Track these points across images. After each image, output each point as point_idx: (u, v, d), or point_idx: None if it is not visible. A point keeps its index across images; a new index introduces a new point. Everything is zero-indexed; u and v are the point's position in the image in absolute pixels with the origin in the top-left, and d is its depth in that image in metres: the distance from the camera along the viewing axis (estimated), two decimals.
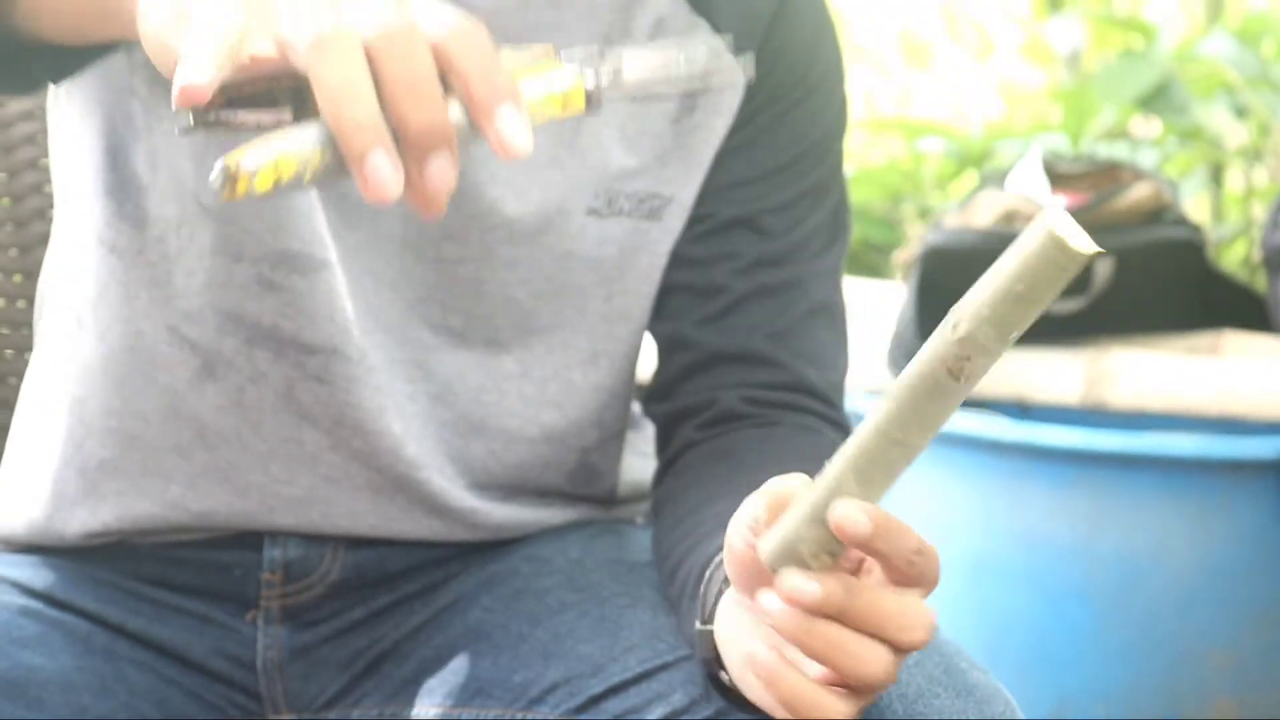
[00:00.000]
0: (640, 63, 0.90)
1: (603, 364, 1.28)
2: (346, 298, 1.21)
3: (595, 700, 1.14)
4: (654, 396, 1.29)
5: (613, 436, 1.31)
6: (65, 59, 1.08)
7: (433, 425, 1.25)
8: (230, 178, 0.82)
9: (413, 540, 1.27)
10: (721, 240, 1.26)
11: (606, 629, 1.17)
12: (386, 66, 0.81)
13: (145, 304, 1.22)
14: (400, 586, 1.28)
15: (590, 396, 1.28)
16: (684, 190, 1.26)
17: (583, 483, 1.31)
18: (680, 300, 1.28)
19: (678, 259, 1.27)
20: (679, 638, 1.12)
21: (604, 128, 1.24)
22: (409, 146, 0.83)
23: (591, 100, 0.89)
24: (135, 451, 1.24)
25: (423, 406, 1.25)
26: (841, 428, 1.28)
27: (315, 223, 1.20)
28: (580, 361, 1.28)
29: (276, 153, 0.83)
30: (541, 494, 1.29)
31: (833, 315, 1.30)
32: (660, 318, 1.28)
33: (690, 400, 1.27)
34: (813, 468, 0.95)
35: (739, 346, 1.26)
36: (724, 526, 0.99)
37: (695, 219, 1.26)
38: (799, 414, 1.26)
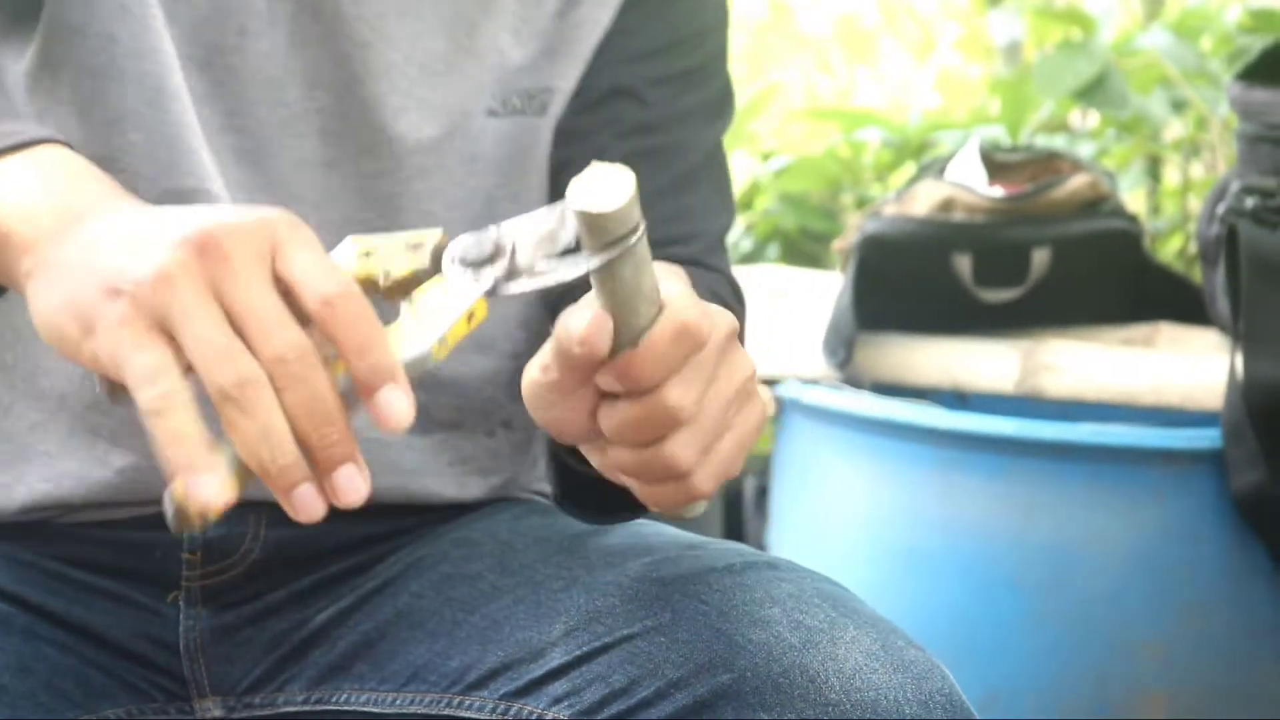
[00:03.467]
0: (527, 238, 0.91)
1: None
2: None
3: (536, 684, 1.14)
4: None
5: (540, 337, 1.31)
6: None
7: None
8: (181, 512, 0.87)
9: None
10: (602, 110, 1.28)
11: (543, 613, 1.16)
12: (287, 395, 0.84)
13: None
14: (323, 567, 1.27)
15: (513, 298, 1.29)
16: (566, 81, 1.28)
17: (519, 391, 1.31)
18: (566, 174, 1.29)
19: (562, 135, 1.29)
20: (616, 619, 1.12)
21: (499, 30, 1.25)
22: (316, 461, 0.86)
23: (493, 301, 0.91)
24: (64, 412, 1.23)
25: None
26: (720, 272, 1.30)
27: (204, 156, 1.20)
28: None
29: (220, 482, 0.86)
30: (484, 415, 1.29)
31: (714, 175, 1.32)
32: (552, 198, 1.29)
33: None
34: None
35: None
36: None
37: (574, 95, 1.28)
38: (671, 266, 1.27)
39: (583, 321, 0.91)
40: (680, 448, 0.95)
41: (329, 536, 1.27)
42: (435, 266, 0.91)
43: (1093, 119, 3.37)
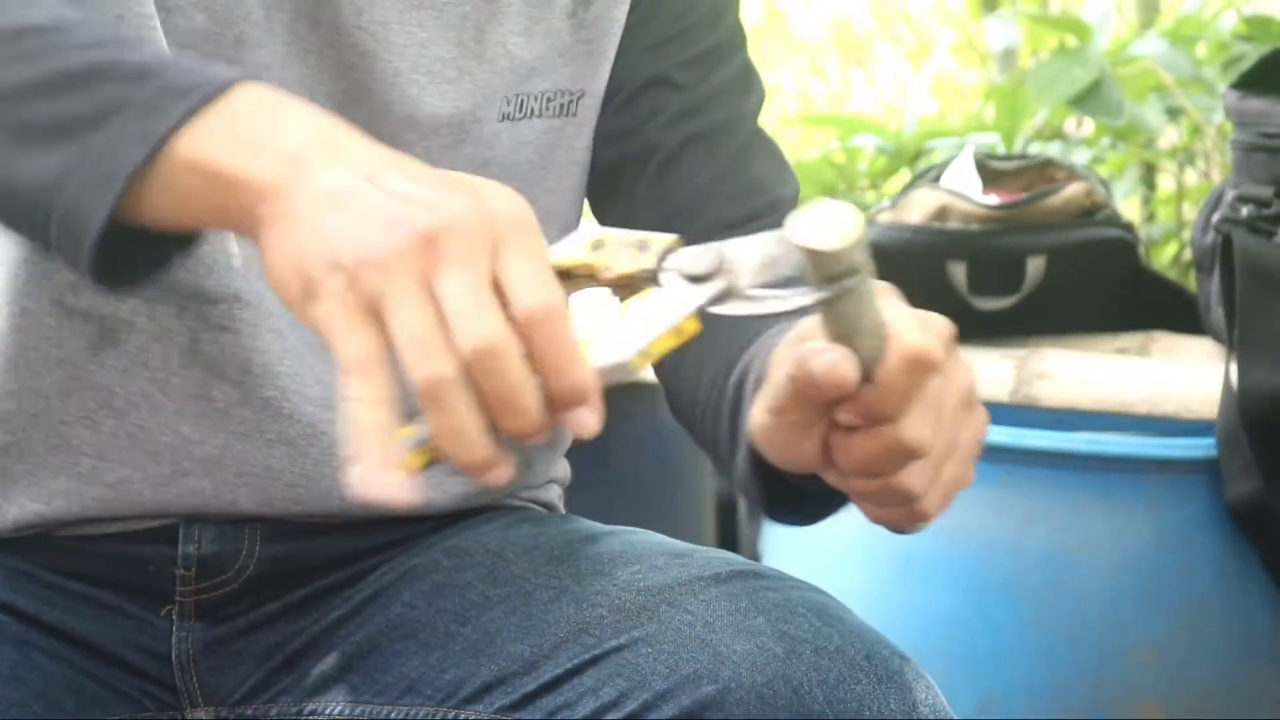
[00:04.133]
0: (748, 261, 0.90)
1: (541, 198, 1.28)
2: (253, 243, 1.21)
3: (529, 697, 1.14)
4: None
5: None
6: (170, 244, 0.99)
7: None
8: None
9: (331, 512, 1.25)
10: (640, 103, 1.29)
11: (534, 626, 1.16)
12: (485, 383, 0.85)
13: (25, 282, 1.21)
14: (316, 580, 1.27)
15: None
16: (594, 83, 1.28)
17: None
18: (623, 174, 1.30)
19: (606, 137, 1.29)
20: (604, 630, 1.12)
21: (508, 33, 1.25)
22: (506, 435, 0.87)
23: (705, 321, 0.90)
24: (38, 430, 1.23)
25: None
26: None
27: None
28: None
29: (393, 483, 0.85)
30: None
31: (767, 144, 1.33)
32: (610, 201, 1.31)
33: None
34: None
35: (689, 198, 1.28)
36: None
37: (608, 96, 1.29)
38: None
39: (828, 361, 0.91)
40: (915, 477, 0.95)
41: (323, 550, 1.27)
42: (657, 270, 0.91)
43: (1088, 126, 3.37)
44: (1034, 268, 2.30)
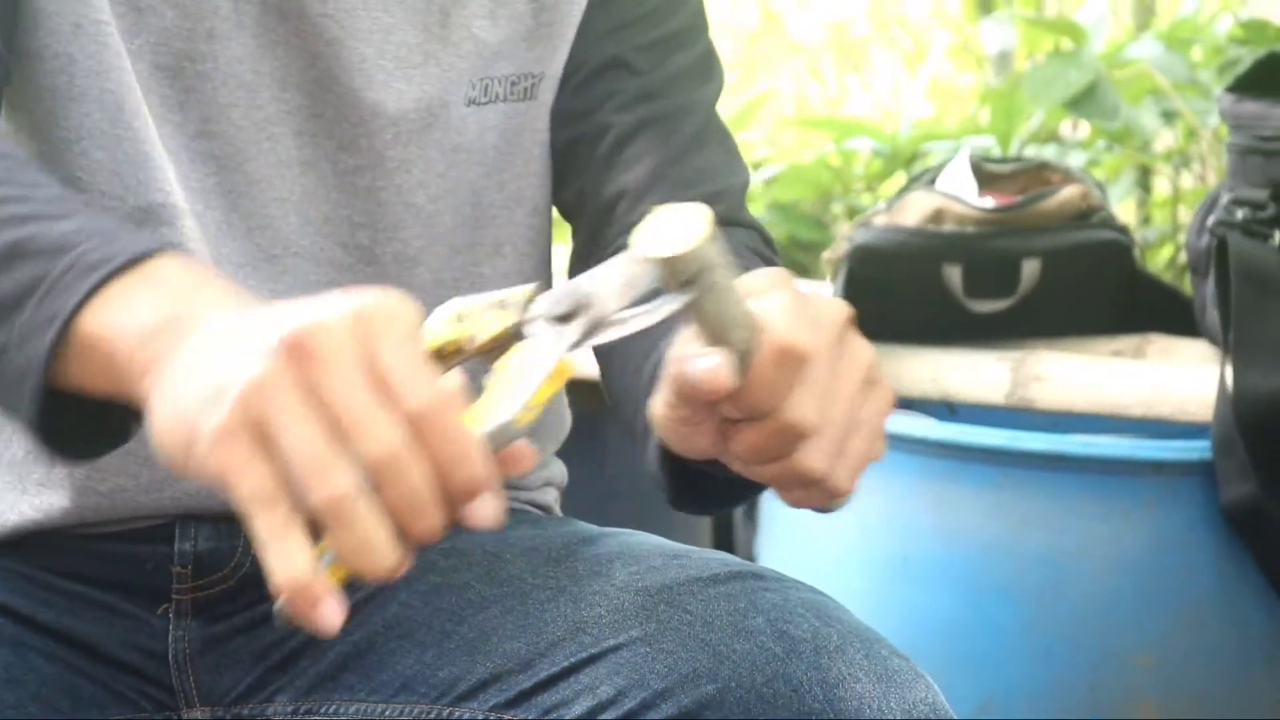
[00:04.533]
0: (606, 288, 0.90)
1: (507, 252, 1.30)
2: (221, 241, 1.22)
3: (525, 695, 1.14)
4: (572, 271, 1.30)
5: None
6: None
7: None
8: (289, 621, 0.86)
9: None
10: (596, 85, 1.29)
11: (531, 624, 1.16)
12: (387, 492, 0.83)
13: None
14: None
15: (501, 285, 1.28)
16: (553, 65, 1.29)
17: None
18: (576, 156, 1.30)
19: (561, 117, 1.30)
20: (602, 629, 1.12)
21: (473, 16, 1.26)
22: (409, 542, 0.85)
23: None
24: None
25: None
26: (751, 227, 1.31)
27: (170, 172, 1.20)
28: (487, 255, 1.30)
29: (334, 608, 0.85)
30: None
31: (721, 135, 1.33)
32: (564, 182, 1.31)
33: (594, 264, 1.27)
34: None
35: (637, 180, 1.28)
36: None
37: (565, 77, 1.29)
38: None
39: (699, 368, 0.92)
40: (811, 458, 0.95)
41: None
42: (520, 324, 0.91)
43: (1083, 129, 3.37)
44: (1029, 270, 2.30)
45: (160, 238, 0.97)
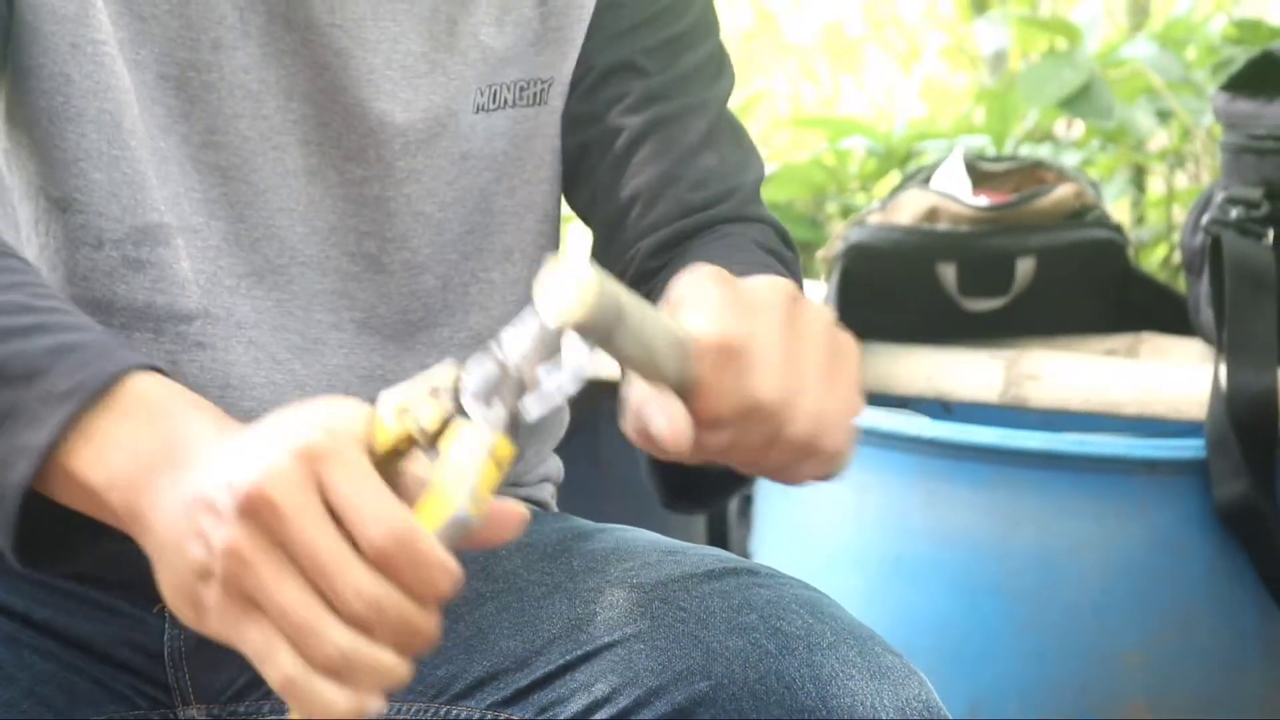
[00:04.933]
0: (521, 351, 0.89)
1: (517, 258, 1.30)
2: (222, 253, 1.22)
3: (521, 693, 1.15)
4: None
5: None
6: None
7: (360, 351, 1.25)
8: None
9: None
10: (605, 89, 1.29)
11: (527, 622, 1.16)
12: (378, 632, 0.87)
13: None
14: None
15: (510, 291, 1.30)
16: (562, 70, 1.29)
17: None
18: (586, 160, 1.31)
19: (570, 123, 1.30)
20: (597, 627, 1.12)
21: (480, 24, 1.25)
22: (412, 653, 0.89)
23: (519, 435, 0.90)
24: None
25: (349, 335, 1.24)
26: (763, 222, 1.30)
27: (165, 192, 1.20)
28: (496, 260, 1.29)
29: None
30: None
31: (733, 132, 1.33)
32: (577, 186, 1.31)
33: (612, 268, 1.28)
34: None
35: (649, 183, 1.28)
36: None
37: (574, 81, 1.29)
38: (717, 227, 1.28)
39: (659, 428, 0.93)
40: (792, 430, 0.95)
41: None
42: (457, 406, 0.90)
43: (1078, 129, 3.37)
44: (1024, 269, 2.31)
45: (133, 353, 0.97)
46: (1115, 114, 2.75)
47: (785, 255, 1.28)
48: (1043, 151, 3.09)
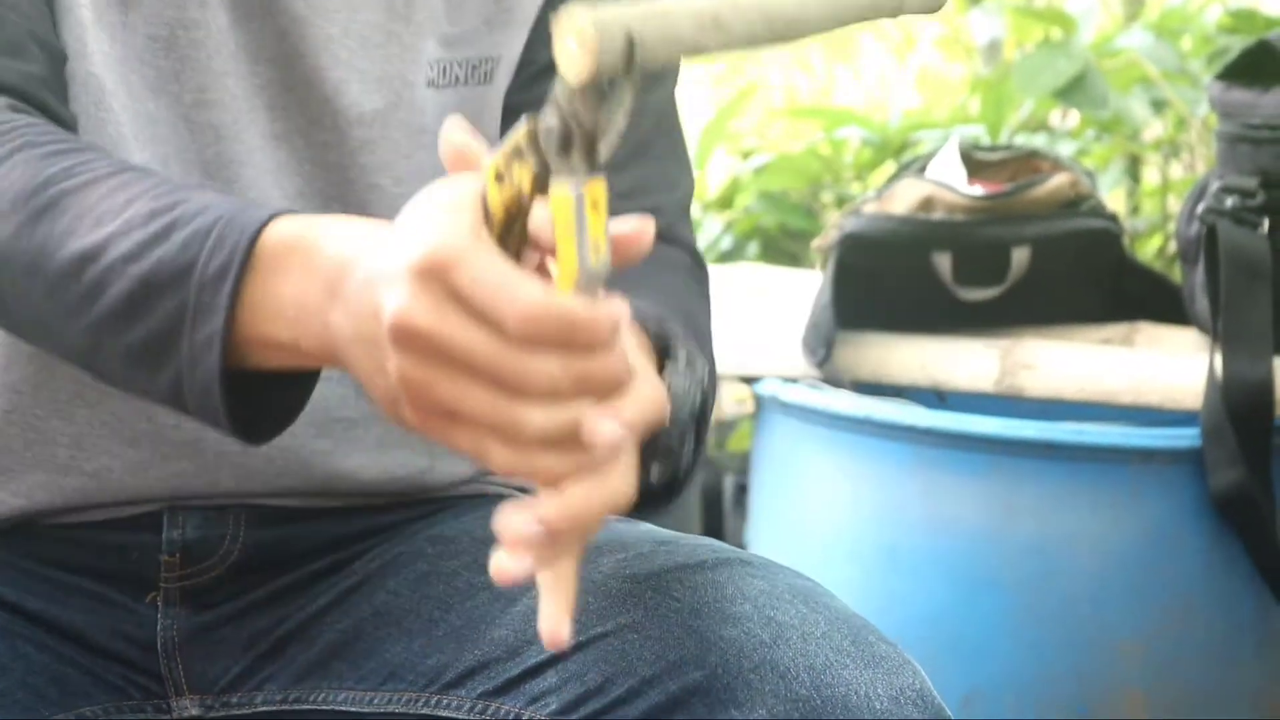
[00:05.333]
0: (571, 106, 0.89)
1: None
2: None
3: (512, 683, 1.14)
4: None
5: None
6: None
7: None
8: None
9: (313, 488, 1.25)
10: (540, 83, 1.28)
11: (518, 612, 1.16)
12: (568, 405, 0.91)
13: None
14: (302, 566, 1.26)
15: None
16: (511, 50, 1.28)
17: None
18: None
19: (508, 112, 1.29)
20: (590, 617, 1.12)
21: None
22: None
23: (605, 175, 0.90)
24: (13, 426, 1.23)
25: None
26: (681, 245, 1.30)
27: (147, 153, 1.20)
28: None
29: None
30: None
31: (669, 142, 1.33)
32: None
33: None
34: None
35: None
36: None
37: (519, 68, 1.29)
38: None
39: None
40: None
41: (307, 536, 1.27)
42: (543, 161, 0.90)
43: (1073, 118, 3.37)
44: (1019, 258, 2.30)
45: (257, 209, 1.00)
46: (1110, 104, 2.75)
47: (701, 281, 1.29)
48: (1038, 141, 3.09)
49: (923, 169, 2.41)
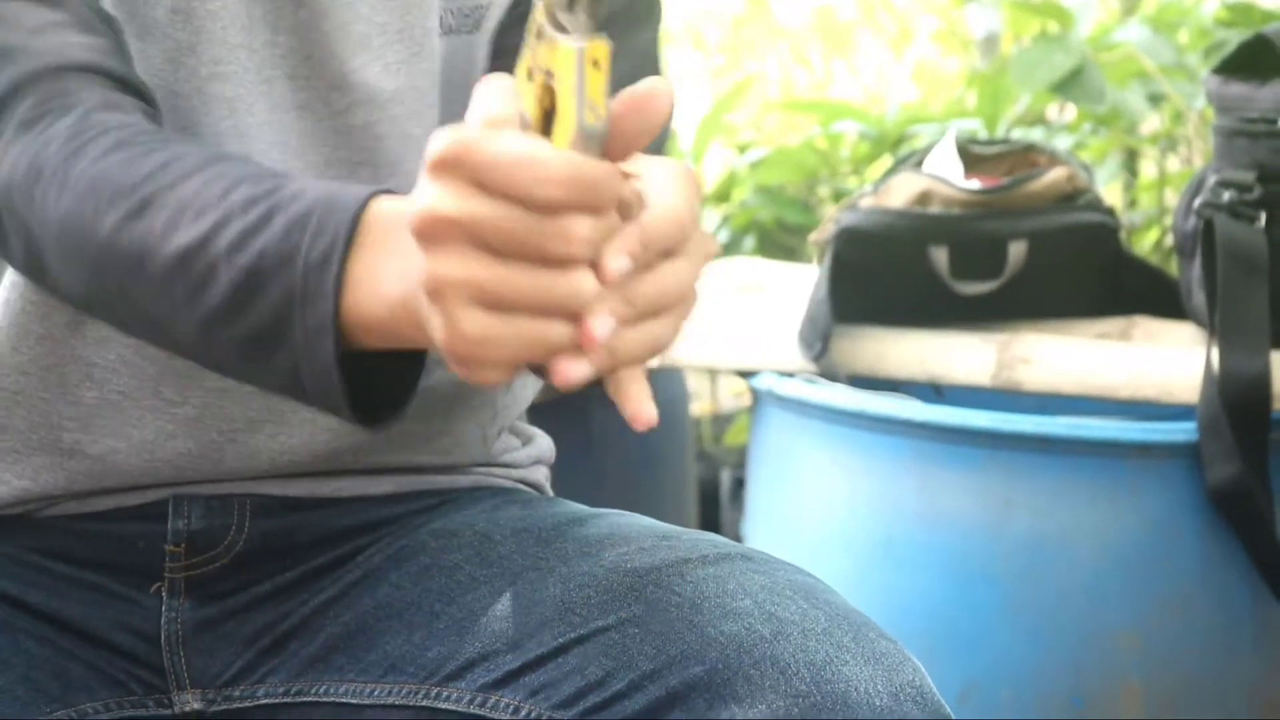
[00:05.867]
0: None
1: None
2: None
3: (512, 675, 1.14)
4: None
5: None
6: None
7: None
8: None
9: (316, 462, 1.25)
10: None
11: (519, 605, 1.16)
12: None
13: (7, 267, 1.21)
14: (307, 559, 1.27)
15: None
16: None
17: None
18: None
19: (499, 51, 1.29)
20: (590, 610, 1.12)
21: None
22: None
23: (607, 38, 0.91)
24: (20, 407, 1.23)
25: None
26: None
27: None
28: None
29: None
30: None
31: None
32: None
33: None
34: None
35: None
36: None
37: (510, 7, 1.28)
38: None
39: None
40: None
41: (312, 527, 1.27)
42: (553, 23, 0.91)
43: (1070, 112, 3.37)
44: (1016, 252, 2.30)
45: (350, 189, 1.01)
46: (1107, 97, 2.75)
47: None
48: (1035, 135, 3.08)
49: (919, 163, 2.41)
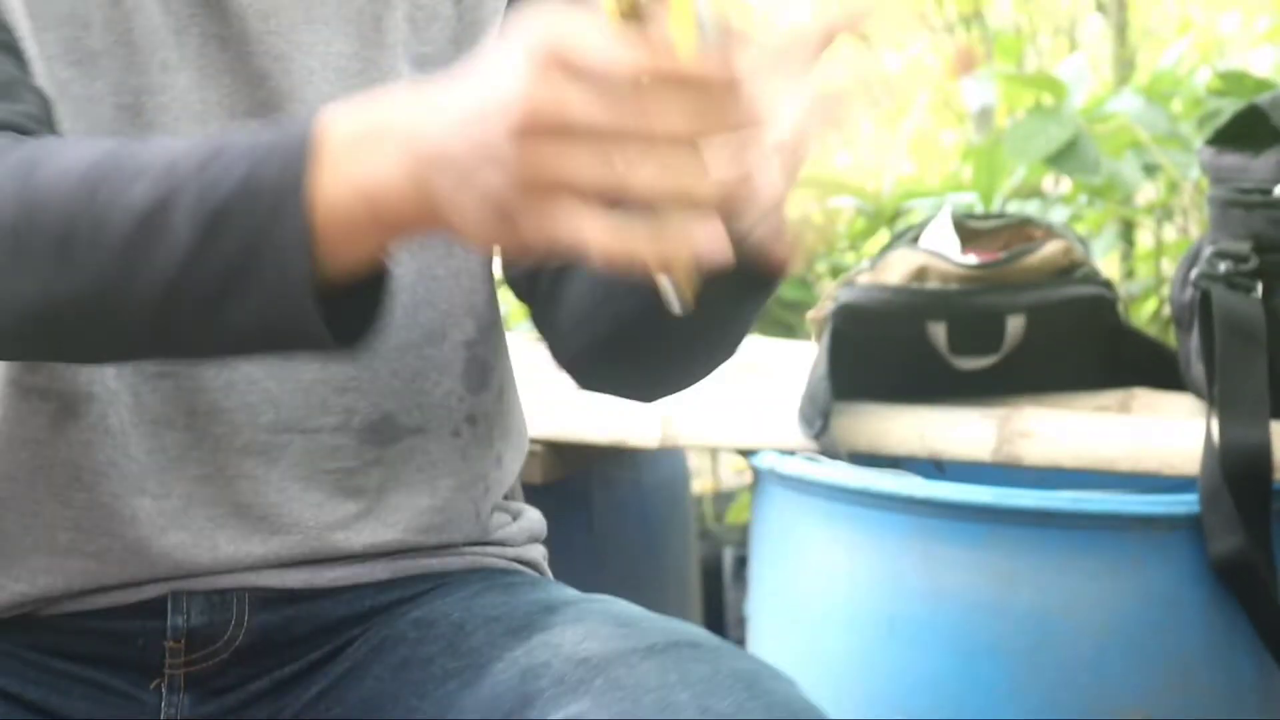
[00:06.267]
0: None
1: (456, 251, 1.29)
2: None
3: None
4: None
5: (489, 325, 1.32)
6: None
7: (310, 369, 1.25)
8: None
9: (307, 556, 1.25)
10: None
11: (484, 698, 1.16)
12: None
13: None
14: (303, 654, 1.26)
15: (454, 285, 1.29)
16: None
17: (477, 381, 1.30)
18: None
19: None
20: (546, 704, 1.11)
21: (400, 20, 1.26)
22: None
23: None
24: (11, 512, 1.22)
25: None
26: None
27: None
28: (439, 256, 1.29)
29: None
30: (447, 412, 1.30)
31: None
32: None
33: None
34: None
35: None
36: None
37: None
38: None
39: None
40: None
41: (310, 618, 1.27)
42: None
43: (1065, 184, 3.38)
44: (1014, 326, 2.31)
45: (296, 125, 1.00)
46: (1102, 169, 2.76)
47: None
48: (1031, 207, 3.09)
49: (916, 238, 2.41)
